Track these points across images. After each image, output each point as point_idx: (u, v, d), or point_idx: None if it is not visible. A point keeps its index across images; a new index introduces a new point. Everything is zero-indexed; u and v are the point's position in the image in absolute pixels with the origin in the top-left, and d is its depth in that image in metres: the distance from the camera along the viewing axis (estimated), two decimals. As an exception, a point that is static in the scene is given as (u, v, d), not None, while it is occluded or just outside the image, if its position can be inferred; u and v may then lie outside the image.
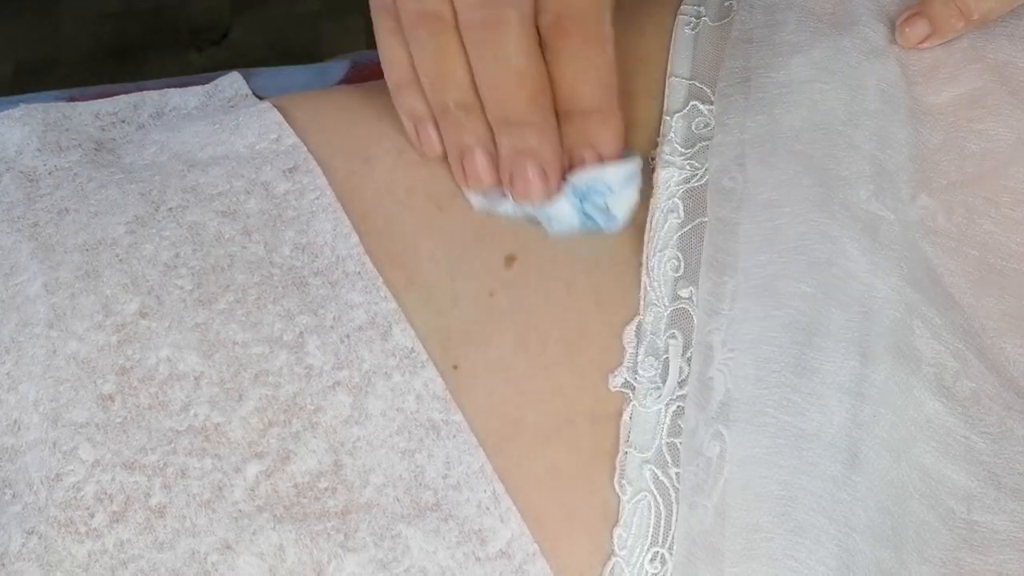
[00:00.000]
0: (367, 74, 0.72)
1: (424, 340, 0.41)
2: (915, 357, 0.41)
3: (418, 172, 0.45)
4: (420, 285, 0.43)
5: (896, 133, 0.45)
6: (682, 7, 0.49)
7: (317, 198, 0.44)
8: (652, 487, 0.40)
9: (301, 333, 0.41)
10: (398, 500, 0.39)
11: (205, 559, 0.37)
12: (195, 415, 0.39)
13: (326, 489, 0.39)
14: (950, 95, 0.46)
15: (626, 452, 0.40)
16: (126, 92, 0.68)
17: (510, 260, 0.43)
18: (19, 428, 0.39)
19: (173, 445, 0.39)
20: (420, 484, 0.39)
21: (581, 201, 0.43)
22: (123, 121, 0.50)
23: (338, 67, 0.74)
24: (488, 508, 0.39)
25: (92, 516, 0.37)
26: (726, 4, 0.49)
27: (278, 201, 0.44)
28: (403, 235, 0.44)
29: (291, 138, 0.46)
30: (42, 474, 0.38)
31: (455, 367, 0.41)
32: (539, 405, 0.41)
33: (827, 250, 0.42)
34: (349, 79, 0.72)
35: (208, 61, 1.32)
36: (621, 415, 0.41)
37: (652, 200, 0.45)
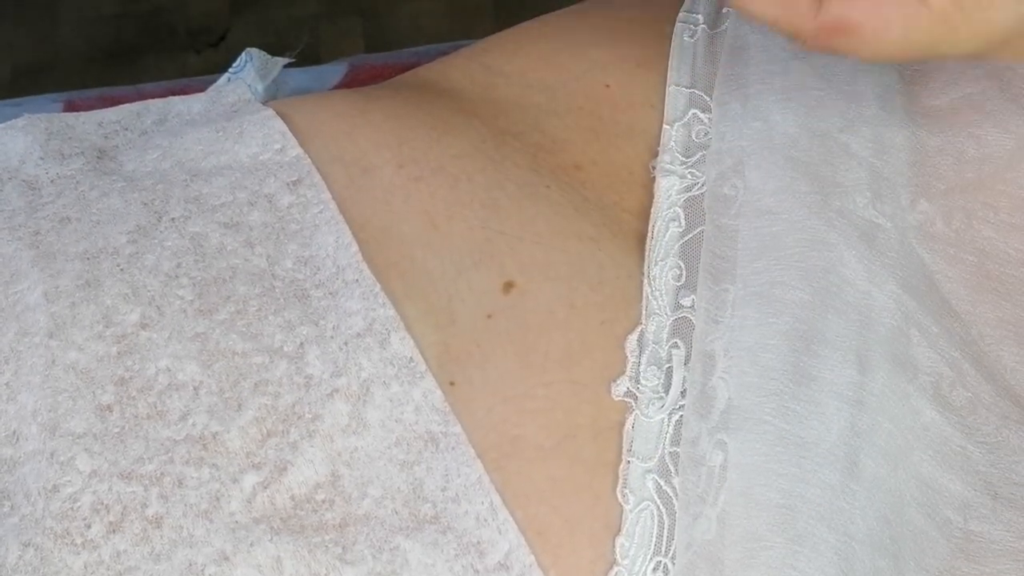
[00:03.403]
0: (365, 77, 0.72)
1: (421, 353, 0.41)
2: (912, 366, 0.41)
3: (416, 187, 0.45)
4: (418, 298, 0.43)
5: (894, 138, 0.45)
6: (681, 14, 0.49)
7: (320, 212, 0.44)
8: (655, 496, 0.40)
9: (302, 344, 0.41)
10: (396, 513, 0.39)
11: (202, 571, 0.37)
12: (193, 424, 0.39)
13: (323, 501, 0.39)
14: (949, 98, 0.46)
15: (628, 461, 0.40)
16: (124, 94, 0.68)
17: (508, 286, 0.43)
18: (18, 439, 0.39)
19: (170, 455, 0.39)
20: (419, 497, 0.39)
21: None
22: (126, 129, 0.50)
23: (336, 70, 0.74)
24: (486, 520, 0.39)
25: (88, 527, 0.37)
26: (724, 11, 0.49)
27: (281, 214, 0.44)
28: (400, 246, 0.44)
29: (295, 149, 0.45)
30: (39, 485, 0.38)
31: (452, 383, 0.41)
32: (540, 421, 0.41)
33: (824, 257, 0.42)
34: (347, 82, 0.72)
35: (206, 63, 1.32)
36: (624, 425, 0.41)
37: (653, 209, 0.45)
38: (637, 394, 0.41)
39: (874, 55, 0.37)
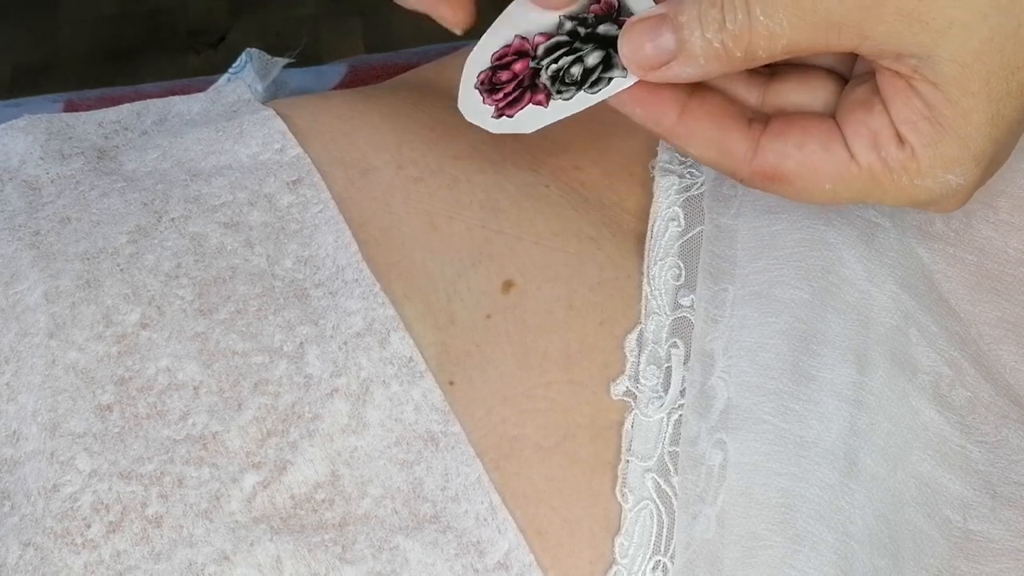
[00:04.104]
0: (365, 77, 0.72)
1: (420, 352, 0.41)
2: (911, 365, 0.41)
3: (416, 187, 0.45)
4: (417, 299, 0.43)
5: None
6: None
7: (320, 211, 0.44)
8: (654, 495, 0.40)
9: (301, 343, 0.41)
10: (396, 512, 0.39)
11: (202, 570, 0.37)
12: (193, 424, 0.39)
13: (323, 501, 0.39)
14: None
15: (628, 461, 0.40)
16: (124, 95, 0.68)
17: (508, 286, 0.43)
18: (18, 439, 0.39)
19: (170, 454, 0.39)
20: (418, 496, 0.39)
21: None
22: (126, 129, 0.50)
23: (336, 70, 0.74)
24: (486, 520, 0.39)
25: (88, 527, 0.37)
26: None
27: (281, 214, 0.44)
28: (400, 246, 0.44)
29: (295, 149, 0.45)
30: (40, 485, 0.38)
31: (451, 383, 0.41)
32: (539, 421, 0.41)
33: (824, 257, 0.42)
34: (347, 82, 0.72)
35: (206, 64, 1.32)
36: (623, 425, 0.41)
37: (653, 208, 0.45)
38: (636, 393, 0.41)
39: (806, 202, 0.38)
